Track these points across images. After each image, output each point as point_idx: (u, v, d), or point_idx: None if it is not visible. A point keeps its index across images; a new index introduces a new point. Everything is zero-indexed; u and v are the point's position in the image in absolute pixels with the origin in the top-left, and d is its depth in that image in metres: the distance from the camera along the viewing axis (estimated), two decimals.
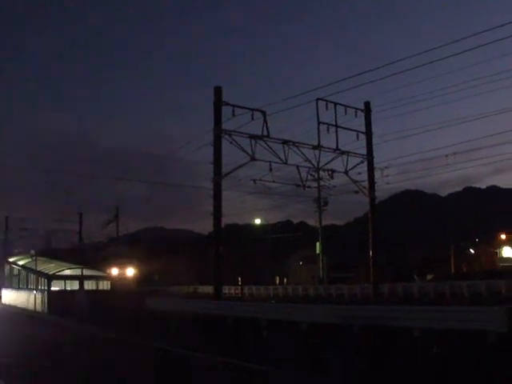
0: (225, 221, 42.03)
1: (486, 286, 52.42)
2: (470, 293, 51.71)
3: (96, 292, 53.73)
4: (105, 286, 56.95)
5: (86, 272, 56.24)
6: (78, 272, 55.64)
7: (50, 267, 57.88)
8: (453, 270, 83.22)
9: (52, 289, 52.38)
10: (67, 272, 55.51)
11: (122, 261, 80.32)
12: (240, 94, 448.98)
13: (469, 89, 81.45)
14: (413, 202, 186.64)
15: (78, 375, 15.87)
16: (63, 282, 54.12)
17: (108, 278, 59.27)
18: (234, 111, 38.54)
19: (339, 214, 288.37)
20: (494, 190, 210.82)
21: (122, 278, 75.65)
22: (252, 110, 39.19)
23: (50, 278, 53.12)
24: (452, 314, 21.83)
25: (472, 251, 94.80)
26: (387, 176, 45.69)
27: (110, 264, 75.25)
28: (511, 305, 21.37)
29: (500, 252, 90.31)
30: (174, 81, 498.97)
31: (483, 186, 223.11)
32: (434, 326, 21.28)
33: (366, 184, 46.39)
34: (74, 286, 54.24)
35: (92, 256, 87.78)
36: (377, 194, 47.26)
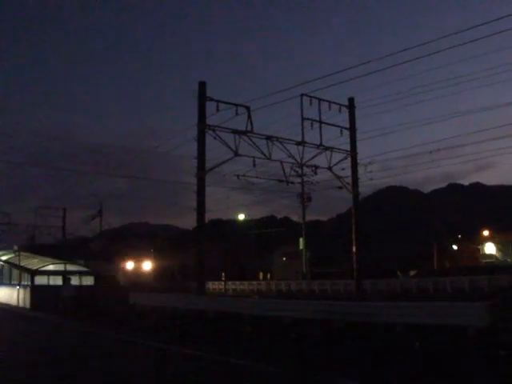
0: (209, 216, 42.09)
1: (468, 282, 52.86)
2: (453, 289, 52.16)
3: (81, 288, 53.49)
4: (88, 281, 56.71)
5: (70, 267, 55.97)
6: (61, 267, 55.36)
7: (33, 262, 57.55)
8: (436, 267, 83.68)
9: (36, 284, 52.17)
10: (51, 267, 55.19)
11: (138, 254, 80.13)
12: (224, 89, 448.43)
13: (452, 86, 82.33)
14: (396, 198, 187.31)
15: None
16: (47, 277, 53.81)
17: (92, 273, 58.99)
18: (218, 106, 38.43)
19: (323, 209, 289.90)
20: (477, 187, 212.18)
21: (137, 272, 75.43)
22: (236, 105, 39.14)
23: (34, 274, 52.82)
24: (434, 310, 21.89)
25: (455, 248, 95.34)
26: (371, 172, 45.81)
27: (124, 257, 74.98)
28: (493, 301, 21.61)
29: (483, 249, 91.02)
30: (160, 75, 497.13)
31: (466, 183, 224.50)
32: (415, 321, 21.43)
33: (349, 180, 46.44)
34: (57, 281, 53.98)
35: (76, 251, 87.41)
36: (360, 189, 47.35)
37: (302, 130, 41.17)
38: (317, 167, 44.99)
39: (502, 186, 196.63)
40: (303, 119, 41.12)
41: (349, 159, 46.17)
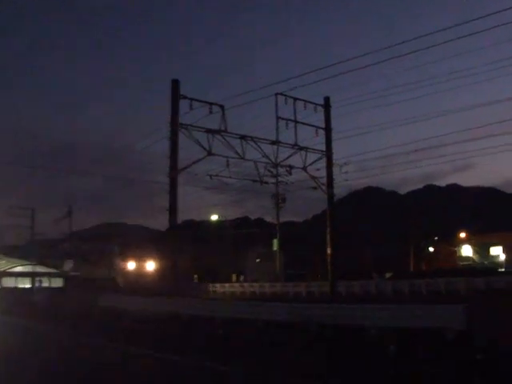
0: (182, 217, 41.73)
1: (445, 284, 52.97)
2: (429, 291, 52.26)
3: (50, 289, 52.78)
4: (57, 283, 56.02)
5: (39, 269, 55.24)
6: (30, 269, 54.59)
7: (0, 264, 56.71)
8: (412, 269, 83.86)
9: (3, 286, 51.38)
10: (19, 269, 54.42)
11: (141, 253, 78.91)
12: (198, 87, 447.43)
13: (428, 86, 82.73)
14: (373, 199, 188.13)
15: None
16: (14, 279, 53.01)
17: (61, 274, 58.30)
18: (191, 105, 38.20)
19: (298, 210, 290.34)
20: (454, 188, 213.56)
21: (141, 272, 74.11)
22: (210, 103, 38.98)
23: (0, 275, 51.99)
24: (411, 312, 21.83)
25: (431, 249, 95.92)
26: (346, 173, 45.97)
27: (125, 257, 73.82)
28: (470, 303, 21.54)
29: (459, 251, 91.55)
30: (133, 72, 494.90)
31: (443, 184, 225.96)
32: (392, 324, 21.27)
33: (324, 180, 46.48)
34: (25, 283, 53.21)
35: (46, 252, 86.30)
36: (336, 190, 47.57)
37: (277, 129, 41.24)
38: (291, 167, 44.99)
39: (479, 188, 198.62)
40: (278, 118, 41.07)
41: (324, 159, 46.17)
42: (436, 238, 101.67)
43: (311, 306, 27.57)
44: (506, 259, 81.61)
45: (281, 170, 46.84)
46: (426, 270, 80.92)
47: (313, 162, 45.60)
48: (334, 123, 47.01)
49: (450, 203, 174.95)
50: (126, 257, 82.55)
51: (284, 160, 43.90)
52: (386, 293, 55.36)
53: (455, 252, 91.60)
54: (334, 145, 46.91)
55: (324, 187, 46.41)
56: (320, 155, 45.78)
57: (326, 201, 47.04)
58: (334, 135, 47.00)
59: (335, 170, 46.29)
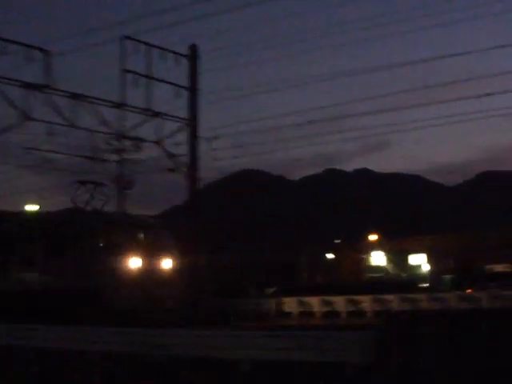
0: None
1: (345, 303, 54.60)
2: (323, 312, 53.86)
3: None
4: None
5: None
6: None
7: None
8: (307, 281, 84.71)
9: None
10: None
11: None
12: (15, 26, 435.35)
13: (334, 36, 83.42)
14: (255, 186, 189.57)
15: None
16: None
17: None
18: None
19: (151, 199, 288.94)
20: (363, 174, 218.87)
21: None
22: (29, 46, 38.56)
23: None
24: (301, 342, 22.16)
25: (330, 256, 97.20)
26: (217, 150, 46.10)
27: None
28: (378, 328, 22.21)
29: (367, 258, 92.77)
30: None
31: (350, 169, 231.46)
32: (273, 356, 21.89)
33: (186, 159, 46.68)
34: None
35: None
36: (202, 174, 47.35)
37: (123, 87, 41.13)
38: (142, 140, 44.89)
39: (397, 174, 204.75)
40: (125, 72, 41.04)
41: (187, 131, 46.13)
42: (339, 241, 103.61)
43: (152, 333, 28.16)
44: (431, 271, 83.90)
45: (127, 143, 46.58)
46: (322, 284, 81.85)
47: (171, 135, 45.84)
48: (203, 83, 47.05)
49: (359, 194, 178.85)
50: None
51: (132, 130, 43.93)
52: (267, 313, 56.54)
53: (363, 260, 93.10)
54: (202, 111, 46.86)
55: (185, 169, 46.47)
56: (181, 125, 46.02)
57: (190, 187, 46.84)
58: (202, 98, 46.94)
59: (202, 145, 46.18)
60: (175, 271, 43.59)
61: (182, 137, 46.45)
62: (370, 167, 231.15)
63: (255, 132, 60.46)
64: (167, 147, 45.91)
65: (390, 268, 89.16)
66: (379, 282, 74.14)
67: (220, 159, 46.91)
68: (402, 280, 79.25)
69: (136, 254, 40.12)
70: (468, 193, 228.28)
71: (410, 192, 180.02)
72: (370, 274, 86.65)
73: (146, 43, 41.93)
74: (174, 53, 44.36)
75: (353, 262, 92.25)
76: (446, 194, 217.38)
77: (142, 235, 41.74)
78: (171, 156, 46.25)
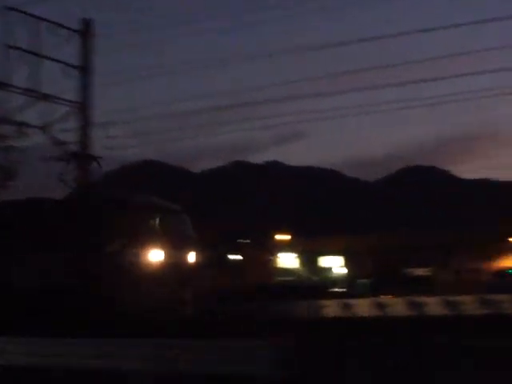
0: None
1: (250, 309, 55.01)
2: (226, 319, 54.19)
3: None
4: None
5: None
6: None
7: None
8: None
9: None
10: None
11: None
12: None
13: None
14: (154, 178, 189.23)
15: None
16: None
17: None
18: None
19: (38, 192, 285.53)
20: (274, 167, 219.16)
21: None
22: None
23: None
24: (211, 352, 21.47)
25: (234, 257, 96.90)
26: (112, 138, 45.81)
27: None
28: (290, 338, 21.99)
29: (275, 260, 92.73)
30: None
31: (259, 161, 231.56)
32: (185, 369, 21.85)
33: (77, 147, 46.00)
34: None
35: None
36: (95, 165, 46.94)
37: (6, 65, 40.61)
38: (26, 125, 44.26)
39: (310, 168, 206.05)
40: (8, 47, 40.51)
41: (77, 116, 45.58)
42: (245, 241, 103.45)
43: None
44: (348, 274, 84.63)
45: (8, 128, 45.89)
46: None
47: (60, 119, 45.16)
48: (97, 62, 46.50)
49: (269, 189, 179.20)
50: None
51: (14, 113, 43.35)
52: None
53: (271, 262, 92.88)
54: (96, 94, 46.31)
55: (72, 157, 45.69)
56: (71, 109, 45.41)
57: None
58: (97, 80, 46.60)
59: (95, 132, 45.82)
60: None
61: (73, 123, 45.77)
62: (282, 160, 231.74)
63: (156, 118, 59.57)
64: (56, 134, 45.07)
65: (302, 271, 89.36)
66: (289, 286, 74.41)
67: (115, 148, 46.47)
68: (313, 283, 79.61)
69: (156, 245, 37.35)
70: (387, 189, 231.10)
71: (325, 188, 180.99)
72: (279, 278, 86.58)
73: (33, 15, 41.31)
74: (66, 28, 43.74)
75: (260, 264, 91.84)
76: (363, 190, 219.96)
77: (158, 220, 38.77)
78: (60, 144, 45.27)
